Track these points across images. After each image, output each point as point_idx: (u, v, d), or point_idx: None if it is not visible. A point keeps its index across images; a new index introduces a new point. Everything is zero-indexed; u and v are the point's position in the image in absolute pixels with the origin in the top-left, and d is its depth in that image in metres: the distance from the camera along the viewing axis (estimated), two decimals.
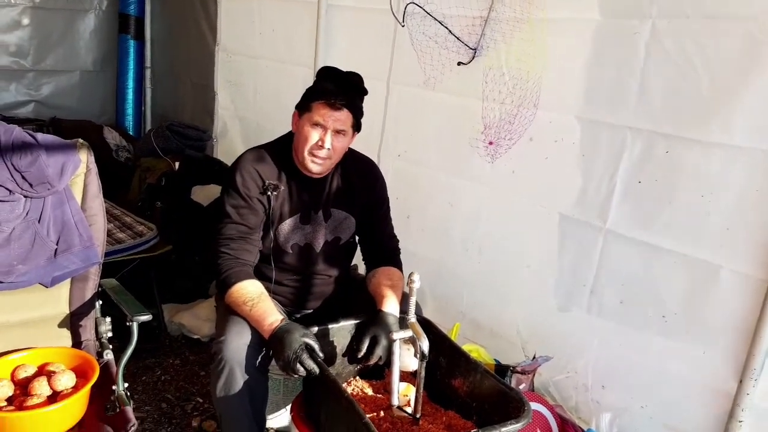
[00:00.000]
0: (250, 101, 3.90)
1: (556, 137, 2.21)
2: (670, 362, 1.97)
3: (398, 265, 2.12)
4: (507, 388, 1.70)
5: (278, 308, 1.91)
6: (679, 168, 1.88)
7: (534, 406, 2.00)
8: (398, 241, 2.19)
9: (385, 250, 2.15)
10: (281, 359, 1.70)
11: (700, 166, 1.83)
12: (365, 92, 1.97)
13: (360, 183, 2.09)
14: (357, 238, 2.17)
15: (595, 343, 2.18)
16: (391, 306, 1.92)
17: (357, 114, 1.94)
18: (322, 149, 1.90)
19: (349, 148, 2.03)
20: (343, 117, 1.89)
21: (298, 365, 1.67)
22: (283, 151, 2.02)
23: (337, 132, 1.90)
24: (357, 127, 1.97)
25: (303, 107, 1.94)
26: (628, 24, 1.96)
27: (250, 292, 1.86)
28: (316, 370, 1.67)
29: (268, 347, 1.81)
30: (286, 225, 2.00)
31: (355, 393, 1.90)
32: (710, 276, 1.84)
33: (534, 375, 2.26)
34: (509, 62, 2.29)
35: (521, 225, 2.38)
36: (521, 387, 2.17)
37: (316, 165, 1.94)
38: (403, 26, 2.60)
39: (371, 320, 1.87)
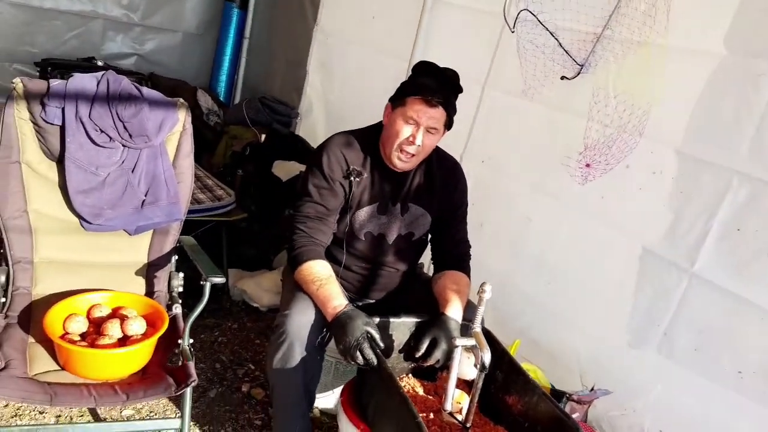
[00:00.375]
0: (337, 85, 3.93)
1: (655, 169, 2.12)
2: (740, 421, 1.87)
3: (467, 270, 2.09)
4: (564, 416, 1.65)
5: (344, 294, 1.92)
6: None
7: None
8: (470, 246, 2.16)
9: (455, 254, 2.12)
10: (342, 344, 1.71)
11: None
12: (461, 90, 1.94)
13: (442, 182, 2.07)
14: (429, 236, 2.16)
15: (659, 385, 2.09)
16: (454, 311, 1.90)
17: (451, 112, 1.92)
18: (412, 145, 1.89)
19: (436, 146, 2.02)
20: (438, 115, 1.87)
21: (358, 353, 1.68)
22: (371, 140, 2.02)
23: (429, 129, 1.89)
24: (449, 125, 1.95)
25: (397, 101, 1.92)
26: (754, 63, 1.86)
27: (320, 272, 1.88)
28: (375, 360, 1.67)
29: (329, 329, 1.82)
30: (363, 212, 2.01)
31: (406, 390, 1.89)
32: None
33: (589, 406, 2.19)
34: (617, 84, 2.21)
35: (600, 252, 2.31)
36: (575, 416, 2.11)
37: (402, 162, 1.93)
38: (513, 32, 2.55)
39: (433, 322, 1.86)
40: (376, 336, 1.72)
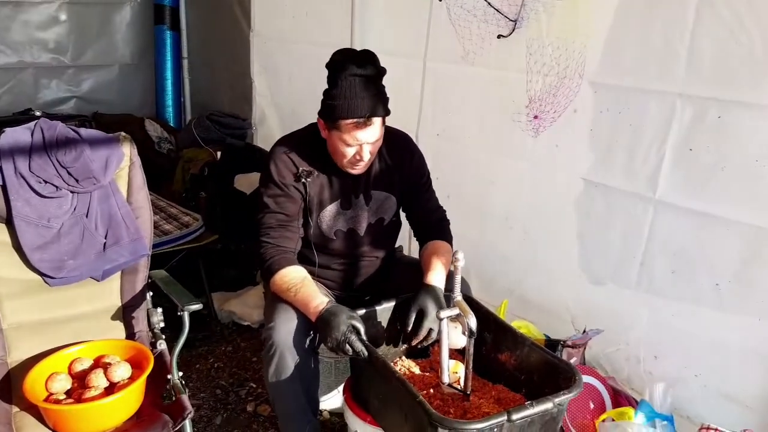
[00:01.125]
0: (285, 87, 3.89)
1: (602, 108, 2.14)
2: (724, 330, 1.92)
3: (447, 236, 2.09)
4: (556, 359, 1.70)
5: (323, 291, 1.92)
6: (732, 133, 1.80)
7: (585, 378, 1.98)
8: (445, 211, 2.15)
9: (432, 222, 2.12)
10: (330, 341, 1.71)
11: (755, 130, 1.75)
12: (384, 72, 1.86)
13: (396, 160, 2.05)
14: (404, 215, 2.16)
15: (645, 314, 2.13)
16: (436, 278, 1.91)
17: (385, 108, 1.85)
18: (361, 161, 1.87)
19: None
20: (375, 127, 1.82)
21: (347, 346, 1.68)
22: (316, 139, 1.96)
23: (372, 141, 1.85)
24: (387, 114, 1.88)
25: (328, 121, 1.84)
26: None
27: (294, 278, 1.87)
28: (365, 351, 1.67)
29: (314, 329, 1.82)
30: (328, 212, 2.00)
31: (402, 372, 1.90)
32: (765, 241, 1.77)
33: (585, 349, 2.23)
34: (551, 33, 2.21)
35: (566, 199, 2.32)
36: (572, 361, 2.14)
37: (357, 170, 1.92)
38: (440, 0, 2.54)
39: (415, 295, 1.87)
40: (361, 329, 1.72)
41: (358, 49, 1.87)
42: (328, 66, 1.85)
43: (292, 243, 1.96)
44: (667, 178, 1.99)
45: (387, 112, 1.86)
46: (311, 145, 1.97)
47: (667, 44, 1.92)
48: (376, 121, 1.81)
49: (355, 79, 1.77)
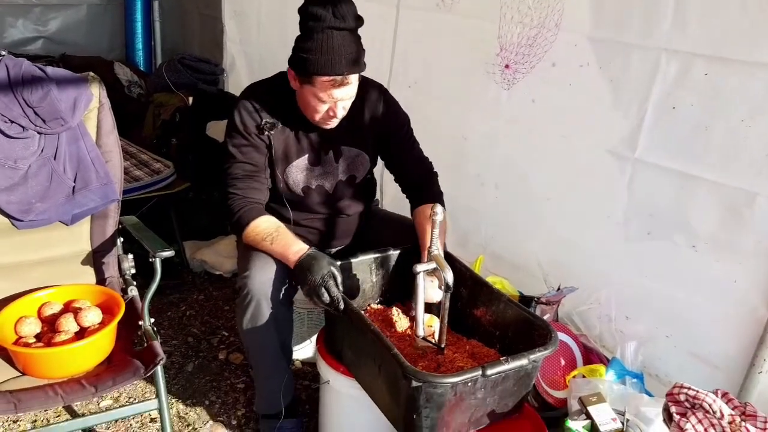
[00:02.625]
0: (254, 33, 3.79)
1: (581, 62, 2.09)
2: (698, 292, 1.93)
3: (435, 195, 2.01)
4: (531, 316, 1.70)
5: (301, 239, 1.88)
6: (718, 91, 1.77)
7: (558, 335, 2.00)
8: (431, 163, 2.09)
9: (417, 178, 2.06)
10: (307, 284, 1.68)
11: (742, 89, 1.72)
12: (362, 23, 1.75)
13: (369, 114, 1.97)
14: (388, 169, 2.10)
15: (618, 274, 2.14)
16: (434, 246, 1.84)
17: (362, 65, 1.76)
18: (334, 118, 1.81)
19: None
20: (353, 85, 1.76)
21: (323, 290, 1.66)
22: (284, 89, 1.88)
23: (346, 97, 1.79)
24: (363, 69, 1.79)
25: (301, 75, 1.74)
26: None
27: (267, 227, 1.83)
28: (340, 298, 1.66)
29: (292, 275, 1.79)
30: (294, 167, 1.94)
31: (393, 321, 1.90)
32: (745, 204, 1.77)
33: (558, 306, 2.25)
34: None
35: (541, 157, 2.30)
36: (546, 317, 2.16)
37: (329, 126, 1.86)
38: None
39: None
40: (338, 277, 1.70)
41: None
42: (301, 12, 1.71)
43: (261, 194, 1.92)
44: (647, 136, 1.96)
45: (363, 68, 1.78)
46: (278, 95, 1.88)
47: None
48: (353, 78, 1.74)
49: (332, 33, 1.66)
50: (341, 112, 1.80)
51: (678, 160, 1.90)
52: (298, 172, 1.95)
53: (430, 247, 1.73)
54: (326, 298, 1.66)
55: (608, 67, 2.03)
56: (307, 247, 1.78)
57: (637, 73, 1.95)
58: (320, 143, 1.95)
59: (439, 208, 1.68)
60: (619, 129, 2.04)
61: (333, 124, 1.86)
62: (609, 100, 2.05)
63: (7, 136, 1.82)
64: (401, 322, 1.88)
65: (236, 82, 4.01)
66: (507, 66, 2.28)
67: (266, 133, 1.87)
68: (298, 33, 1.75)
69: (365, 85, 1.96)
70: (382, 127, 2.00)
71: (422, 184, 2.05)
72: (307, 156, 1.95)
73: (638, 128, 1.98)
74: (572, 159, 2.20)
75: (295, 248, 1.76)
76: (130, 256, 1.99)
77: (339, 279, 1.70)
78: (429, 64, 2.64)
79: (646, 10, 1.90)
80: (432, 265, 1.71)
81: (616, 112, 2.04)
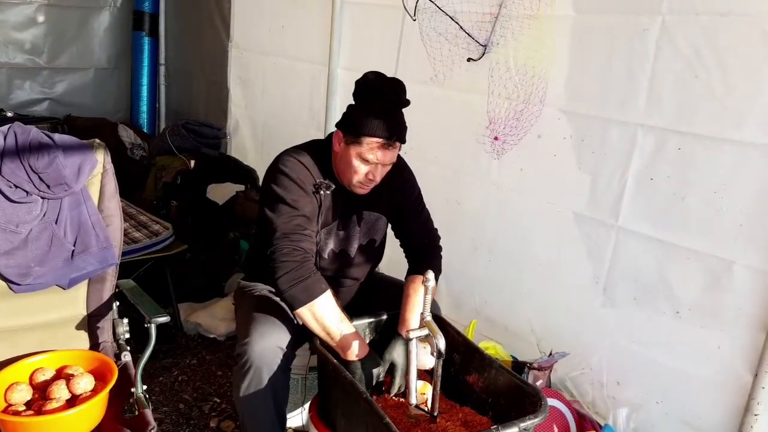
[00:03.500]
0: (258, 98, 3.92)
1: (565, 134, 2.20)
2: (684, 358, 1.96)
3: (434, 268, 1.91)
4: (523, 383, 1.71)
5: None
6: (691, 164, 1.87)
7: (551, 401, 2.01)
8: (438, 237, 2.12)
9: (420, 248, 2.08)
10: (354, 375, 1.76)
11: (713, 162, 1.81)
12: (409, 103, 1.90)
13: (387, 182, 2.01)
14: (394, 234, 2.14)
15: (608, 339, 2.17)
16: (412, 323, 1.89)
17: (405, 136, 1.89)
18: (372, 181, 1.88)
19: None
20: (395, 151, 1.86)
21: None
22: (322, 158, 1.94)
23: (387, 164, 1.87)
24: (404, 143, 1.91)
25: (352, 135, 1.83)
26: (637, 20, 1.95)
27: (333, 317, 1.80)
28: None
29: (293, 347, 1.84)
30: (325, 230, 1.97)
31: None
32: (724, 271, 1.83)
33: (550, 371, 2.26)
34: (517, 59, 2.28)
35: (531, 223, 2.38)
36: (538, 383, 2.17)
37: (363, 190, 1.92)
38: (414, 20, 2.59)
39: (389, 346, 1.90)
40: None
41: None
42: (360, 83, 1.87)
43: (314, 252, 1.89)
44: (629, 205, 2.04)
45: (404, 141, 1.89)
46: (321, 161, 1.94)
47: (629, 75, 1.99)
48: (397, 146, 1.85)
49: (389, 104, 1.83)
50: (379, 177, 1.87)
51: (658, 229, 1.97)
52: (326, 236, 1.98)
53: (422, 314, 1.75)
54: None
55: (589, 140, 2.12)
56: (367, 349, 1.81)
57: (616, 146, 2.05)
58: (348, 208, 2.00)
59: (431, 274, 1.69)
60: (602, 198, 2.11)
61: (367, 189, 1.91)
62: (592, 170, 2.13)
63: (11, 201, 1.85)
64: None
65: (239, 145, 4.12)
66: (496, 138, 2.38)
67: (321, 191, 1.90)
68: (352, 102, 1.89)
69: None
70: (397, 193, 2.06)
71: (424, 253, 2.08)
72: (337, 221, 1.99)
73: (620, 197, 2.05)
74: (560, 225, 2.27)
75: (358, 351, 1.79)
76: (125, 320, 2.00)
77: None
78: (424, 132, 2.71)
79: (623, 88, 2.01)
80: (425, 332, 1.72)
81: (599, 181, 2.12)
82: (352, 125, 1.84)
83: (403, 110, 1.89)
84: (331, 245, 2.00)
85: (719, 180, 1.81)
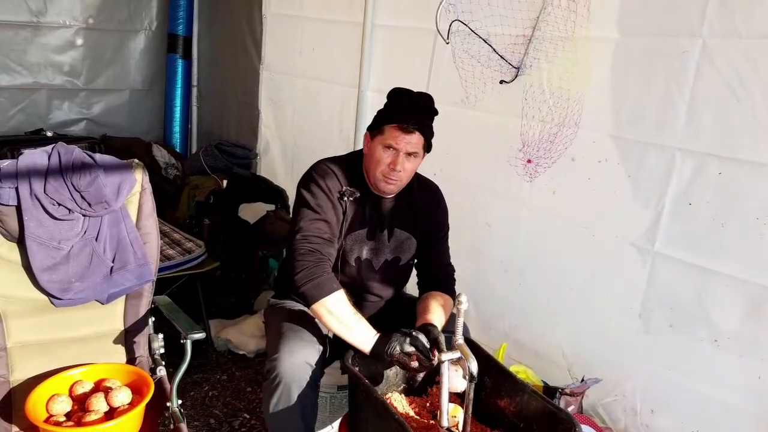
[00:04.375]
0: (288, 119, 3.98)
1: (600, 158, 2.19)
2: (722, 388, 1.92)
3: (451, 293, 2.07)
4: (556, 409, 1.68)
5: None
6: (732, 190, 1.85)
7: (583, 428, 1.97)
8: (454, 270, 2.17)
9: (438, 277, 2.13)
10: (389, 354, 1.76)
11: (755, 188, 1.79)
12: (436, 113, 1.99)
13: (423, 205, 2.10)
14: (414, 261, 2.17)
15: (642, 366, 2.14)
16: (434, 319, 1.91)
17: (428, 136, 1.95)
18: (394, 171, 1.92)
19: (416, 172, 2.05)
20: (415, 140, 1.91)
21: (406, 346, 1.75)
22: (353, 166, 2.04)
23: (409, 154, 1.92)
24: (428, 148, 1.98)
25: (375, 129, 1.96)
26: (677, 43, 1.94)
27: (345, 311, 1.86)
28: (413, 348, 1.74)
29: (322, 364, 1.86)
30: (352, 237, 2.02)
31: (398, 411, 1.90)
32: (765, 299, 1.79)
33: (582, 397, 2.22)
34: (551, 81, 2.29)
35: (563, 246, 2.37)
36: (570, 409, 2.14)
37: (388, 185, 1.96)
38: (447, 43, 2.62)
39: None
40: (413, 333, 1.78)
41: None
42: (388, 94, 2.00)
43: (330, 254, 1.95)
44: (666, 230, 2.02)
45: (429, 143, 1.96)
46: (353, 169, 2.03)
47: (667, 98, 1.98)
48: (418, 135, 1.91)
49: (409, 101, 1.95)
50: (401, 165, 1.90)
51: (696, 255, 1.94)
52: (353, 241, 2.03)
53: (454, 336, 1.75)
54: (410, 349, 1.74)
55: (626, 164, 2.11)
56: (376, 332, 1.84)
57: (653, 169, 2.03)
58: (379, 220, 2.05)
59: (464, 297, 1.69)
60: (638, 222, 2.09)
61: (392, 183, 1.95)
62: (627, 194, 2.12)
63: (54, 218, 1.90)
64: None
65: (269, 165, 4.17)
66: (529, 161, 2.38)
67: (346, 199, 1.97)
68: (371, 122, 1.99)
69: (426, 181, 2.16)
70: (430, 222, 2.11)
71: (441, 282, 2.11)
72: (366, 229, 2.03)
73: (656, 222, 2.03)
74: (593, 250, 2.25)
75: (371, 336, 1.82)
76: (161, 335, 2.03)
77: (415, 335, 1.77)
78: (454, 154, 2.75)
79: (661, 111, 2.00)
80: (457, 354, 1.71)
81: (634, 205, 2.10)
82: (376, 121, 1.97)
83: (435, 130, 1.96)
84: (357, 252, 2.04)
85: (761, 205, 1.78)
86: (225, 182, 3.74)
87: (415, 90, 1.97)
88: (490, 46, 2.48)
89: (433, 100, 1.97)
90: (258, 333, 3.08)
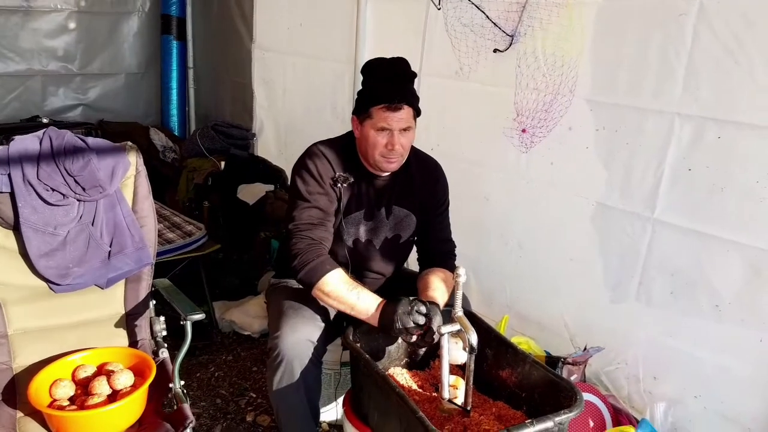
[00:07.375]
0: (280, 99, 3.94)
1: (597, 126, 2.16)
2: (724, 352, 1.92)
3: (451, 268, 2.04)
4: (557, 378, 1.70)
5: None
6: (731, 154, 1.82)
7: (586, 396, 1.98)
8: (455, 246, 2.16)
9: (438, 253, 2.13)
10: (396, 322, 1.74)
11: (755, 151, 1.76)
12: (415, 75, 1.96)
13: (421, 181, 2.09)
14: (415, 237, 2.17)
15: (644, 334, 2.13)
16: (437, 295, 1.92)
17: (415, 102, 1.93)
18: (393, 151, 1.91)
19: (413, 147, 2.03)
20: (405, 114, 1.89)
21: (415, 316, 1.74)
22: (347, 148, 2.02)
23: (403, 130, 1.90)
24: (418, 113, 1.96)
25: (362, 113, 1.93)
26: (673, 5, 1.89)
27: (345, 286, 1.86)
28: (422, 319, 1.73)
29: (324, 340, 1.87)
30: (351, 219, 2.02)
31: (400, 384, 1.91)
32: (766, 264, 1.78)
33: (585, 366, 2.23)
34: (546, 48, 2.24)
35: (562, 217, 2.34)
36: (573, 378, 2.15)
37: (391, 164, 1.95)
38: (439, 9, 2.57)
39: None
40: (419, 303, 1.77)
41: (362, 60, 1.93)
42: (362, 71, 1.97)
43: (326, 240, 1.97)
44: (665, 197, 2.00)
45: (417, 109, 1.93)
46: (346, 152, 2.02)
47: (664, 63, 1.94)
48: (406, 108, 1.88)
49: (386, 73, 1.91)
50: (398, 144, 1.89)
51: (696, 220, 1.92)
52: (352, 224, 2.03)
53: (453, 309, 1.75)
54: (421, 320, 1.73)
55: (623, 131, 2.08)
56: (381, 299, 1.84)
57: (651, 136, 2.00)
58: (376, 199, 2.04)
59: (462, 269, 1.70)
60: (637, 190, 2.07)
61: (393, 161, 1.94)
62: (626, 162, 2.09)
63: (49, 204, 1.89)
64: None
65: (265, 145, 4.15)
66: (524, 131, 2.35)
67: (339, 185, 1.97)
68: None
69: (425, 158, 2.14)
70: (429, 198, 2.10)
71: (441, 258, 2.11)
72: (364, 210, 2.03)
73: (656, 189, 2.01)
74: (592, 219, 2.23)
75: (374, 309, 1.82)
76: (162, 318, 2.04)
77: (421, 305, 1.76)
78: (450, 127, 2.72)
79: (658, 77, 1.97)
80: (456, 327, 1.72)
81: (633, 173, 2.08)
82: (361, 104, 1.94)
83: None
84: (355, 234, 2.04)
85: (761, 169, 1.76)
86: (223, 164, 3.73)
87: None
88: (483, 13, 2.43)
89: (408, 63, 1.94)
90: (262, 313, 3.09)
